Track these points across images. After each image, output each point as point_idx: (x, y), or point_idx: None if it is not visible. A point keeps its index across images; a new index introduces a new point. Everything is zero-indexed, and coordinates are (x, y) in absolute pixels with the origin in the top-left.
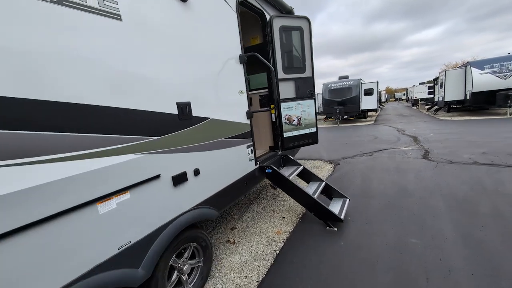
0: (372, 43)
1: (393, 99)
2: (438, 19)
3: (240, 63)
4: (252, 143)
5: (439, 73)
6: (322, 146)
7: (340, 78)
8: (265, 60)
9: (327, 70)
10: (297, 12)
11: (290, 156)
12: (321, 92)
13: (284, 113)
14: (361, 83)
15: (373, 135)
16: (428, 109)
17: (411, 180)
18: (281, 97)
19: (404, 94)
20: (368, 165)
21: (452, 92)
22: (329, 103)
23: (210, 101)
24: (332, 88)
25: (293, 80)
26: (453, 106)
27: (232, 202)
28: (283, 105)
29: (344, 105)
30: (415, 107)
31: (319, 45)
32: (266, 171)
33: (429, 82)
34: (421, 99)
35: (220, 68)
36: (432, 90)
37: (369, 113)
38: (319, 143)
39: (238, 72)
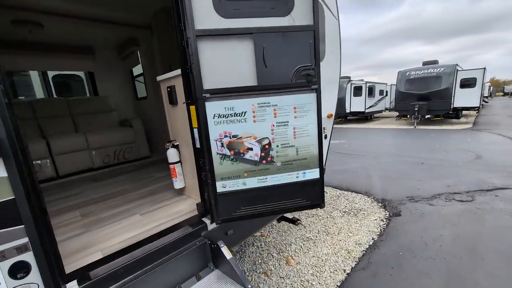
0: (478, 24)
1: (501, 94)
2: None
3: None
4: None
5: None
6: (377, 164)
7: (425, 64)
8: None
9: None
10: None
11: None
12: (395, 83)
13: (218, 130)
14: (457, 70)
15: (473, 152)
16: None
17: None
18: (208, 87)
19: None
20: (466, 231)
21: None
22: (405, 97)
23: None
24: (412, 77)
25: (251, 37)
26: None
27: None
28: (210, 105)
29: (427, 100)
30: None
31: (405, 30)
32: None
33: None
34: None
35: None
36: None
37: (464, 112)
38: (373, 158)
39: None
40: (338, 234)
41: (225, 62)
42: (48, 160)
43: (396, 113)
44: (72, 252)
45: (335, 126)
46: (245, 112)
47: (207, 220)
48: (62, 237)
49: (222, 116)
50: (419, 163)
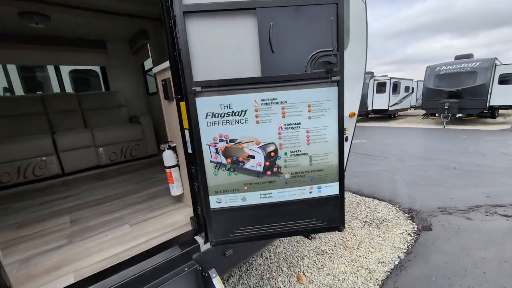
0: None
1: None
2: None
3: None
4: None
5: None
6: (402, 167)
7: (458, 58)
8: None
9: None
10: None
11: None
12: (422, 79)
13: (211, 133)
14: (496, 64)
15: None
16: None
17: None
18: (200, 78)
19: None
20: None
21: None
22: (433, 95)
23: None
24: (442, 72)
25: (254, 14)
26: None
27: None
28: (202, 102)
29: (459, 98)
30: None
31: (434, 22)
32: None
33: None
34: None
35: None
36: None
37: (500, 111)
38: (397, 161)
39: None
40: (357, 248)
41: (220, 47)
42: (54, 157)
43: (423, 112)
44: (42, 272)
45: None
46: (245, 111)
47: (200, 239)
48: (41, 249)
49: (216, 115)
50: (451, 167)
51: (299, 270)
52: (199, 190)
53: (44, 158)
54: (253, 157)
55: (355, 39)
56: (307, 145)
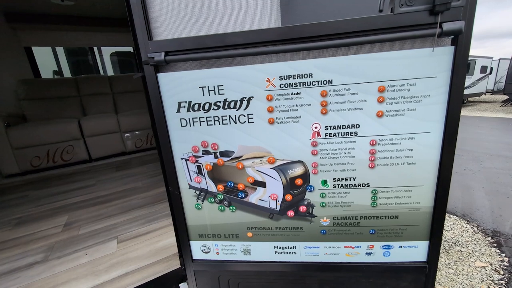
0: None
1: None
2: None
3: None
4: None
5: None
6: (479, 169)
7: None
8: None
9: None
10: None
11: None
12: (509, 57)
13: (188, 138)
14: None
15: None
16: None
17: None
18: (162, 36)
19: None
20: None
21: None
22: None
23: None
24: None
25: None
26: None
27: None
28: (168, 81)
29: None
30: None
31: None
32: None
33: None
34: None
35: None
36: None
37: None
38: (472, 161)
39: None
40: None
41: None
42: (80, 142)
43: (502, 98)
44: None
45: None
46: (249, 100)
47: None
48: (11, 266)
49: (196, 107)
50: None
51: None
52: (175, 229)
53: (71, 143)
54: (262, 184)
55: None
56: (369, 168)
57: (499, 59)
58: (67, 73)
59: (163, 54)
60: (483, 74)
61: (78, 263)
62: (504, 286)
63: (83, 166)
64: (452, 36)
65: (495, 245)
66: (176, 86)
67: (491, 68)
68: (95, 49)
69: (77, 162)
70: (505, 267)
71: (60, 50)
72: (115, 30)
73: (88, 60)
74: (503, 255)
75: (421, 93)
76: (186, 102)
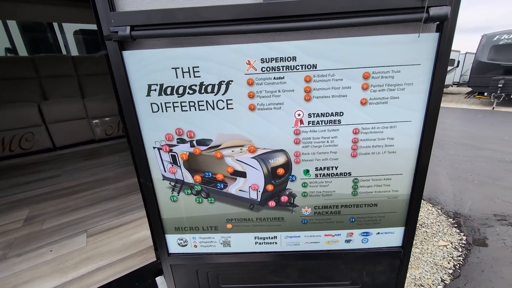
0: None
1: None
2: None
3: None
4: None
5: None
6: (444, 156)
7: None
8: None
9: (482, 25)
10: None
11: None
12: (474, 51)
13: (161, 125)
14: None
15: None
16: None
17: None
18: (128, 7)
19: None
20: None
21: None
22: (486, 70)
23: None
24: (502, 42)
25: None
26: None
27: None
28: (136, 60)
29: None
30: None
31: None
32: None
33: None
34: None
35: None
36: None
37: None
38: (437, 148)
39: None
40: (417, 262)
41: None
42: (42, 129)
43: (468, 89)
44: None
45: None
46: (228, 84)
47: (163, 285)
48: None
49: (169, 90)
50: (507, 161)
51: None
52: (149, 222)
53: (30, 130)
54: (242, 174)
55: None
56: (351, 157)
57: (466, 53)
58: (22, 52)
59: (128, 28)
60: (451, 67)
61: (42, 260)
62: (461, 261)
63: (46, 155)
64: (438, 22)
65: (456, 225)
66: (145, 66)
67: (458, 62)
68: (55, 25)
69: (39, 151)
70: (463, 245)
71: (13, 25)
72: (76, 5)
73: (47, 37)
74: (462, 234)
75: (405, 81)
76: (157, 84)
